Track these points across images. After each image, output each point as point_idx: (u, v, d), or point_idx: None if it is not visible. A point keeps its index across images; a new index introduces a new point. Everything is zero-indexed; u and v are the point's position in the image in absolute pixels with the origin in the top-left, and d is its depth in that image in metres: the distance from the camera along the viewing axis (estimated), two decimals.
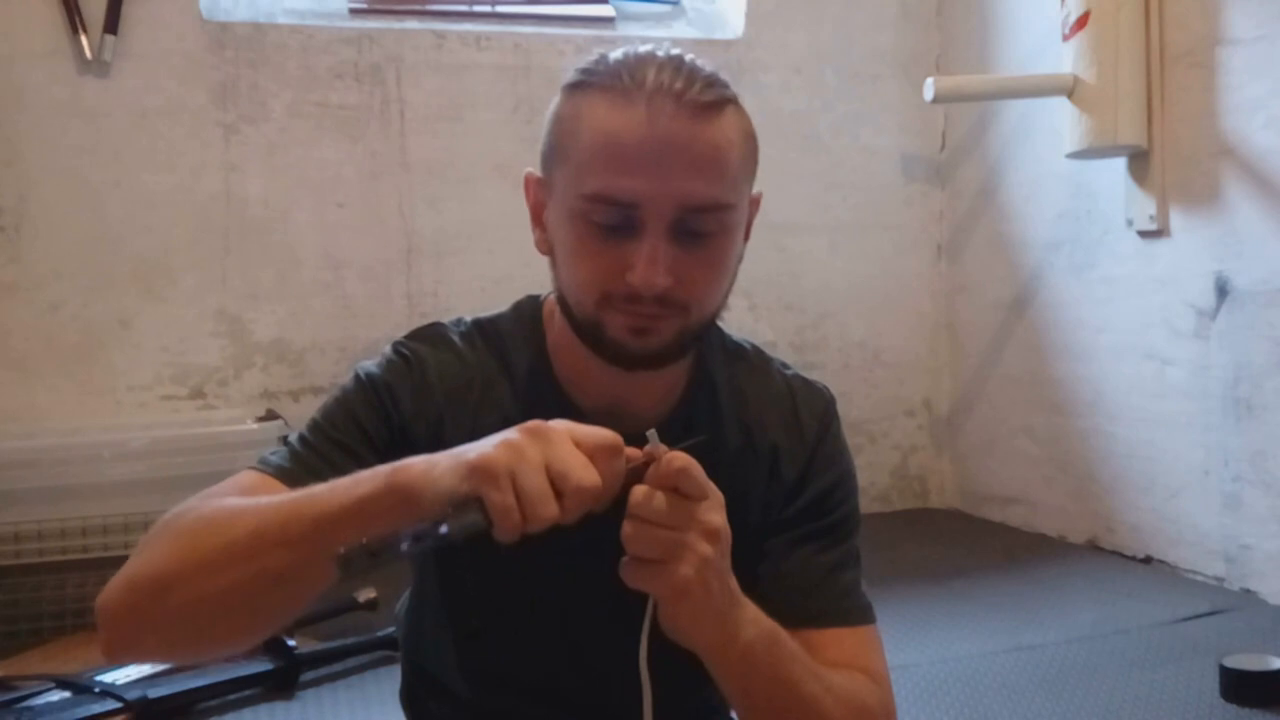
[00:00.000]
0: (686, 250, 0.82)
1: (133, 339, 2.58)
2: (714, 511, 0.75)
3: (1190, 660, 1.82)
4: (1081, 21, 2.42)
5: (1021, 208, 2.89)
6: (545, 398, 0.91)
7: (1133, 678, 1.77)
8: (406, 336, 0.95)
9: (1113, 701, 1.68)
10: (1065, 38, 2.48)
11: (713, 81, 0.84)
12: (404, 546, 0.65)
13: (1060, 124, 2.52)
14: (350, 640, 1.97)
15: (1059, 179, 2.71)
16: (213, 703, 1.74)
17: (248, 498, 0.79)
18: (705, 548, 0.74)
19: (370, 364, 0.93)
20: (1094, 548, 2.64)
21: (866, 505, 3.52)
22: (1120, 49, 2.37)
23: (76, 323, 2.55)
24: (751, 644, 0.79)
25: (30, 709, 1.67)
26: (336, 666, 1.91)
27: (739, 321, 2.95)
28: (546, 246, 0.90)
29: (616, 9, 3.06)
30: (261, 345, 2.67)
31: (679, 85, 0.81)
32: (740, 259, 0.91)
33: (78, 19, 2.50)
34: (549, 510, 0.67)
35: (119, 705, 1.65)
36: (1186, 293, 2.36)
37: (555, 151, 0.87)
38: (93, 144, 2.55)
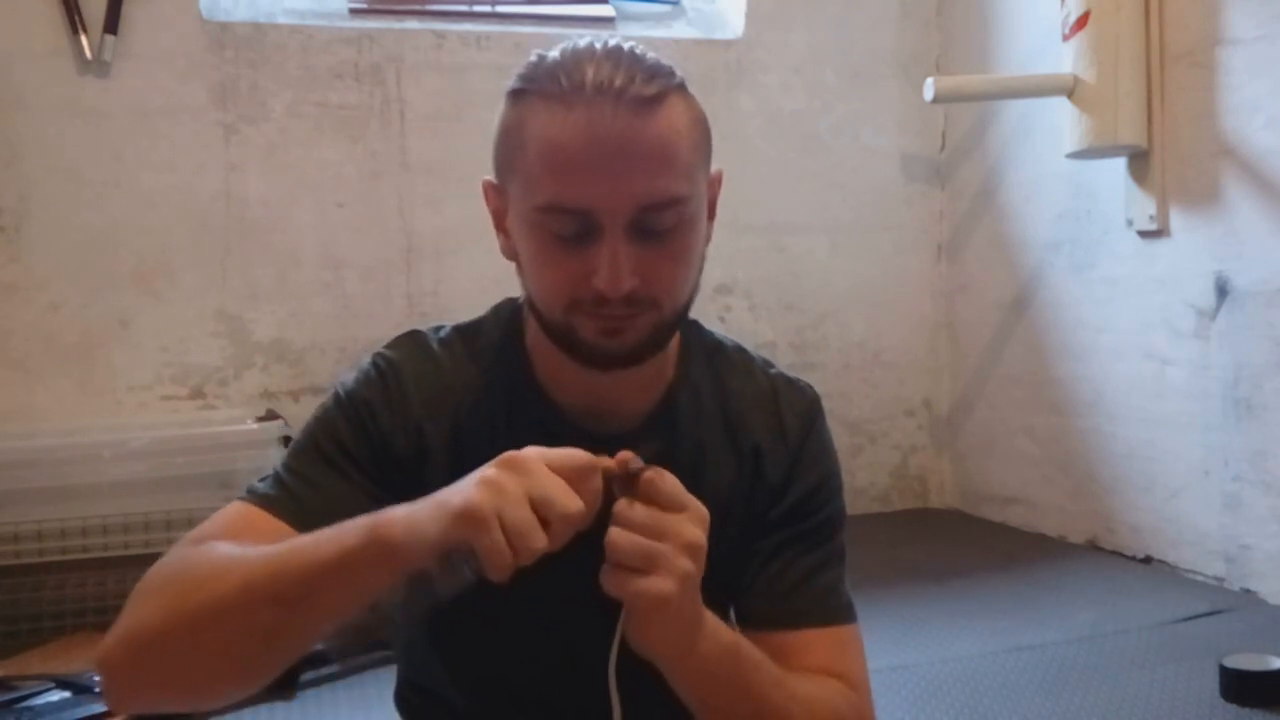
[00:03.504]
0: (648, 247, 0.81)
1: (133, 339, 2.58)
2: (695, 526, 0.75)
3: (1190, 660, 1.82)
4: (1081, 21, 2.42)
5: (1021, 208, 2.89)
6: (527, 401, 0.91)
7: (1133, 678, 1.77)
8: (385, 346, 0.94)
9: (1113, 701, 1.68)
10: (1065, 38, 2.48)
11: (654, 72, 0.81)
12: (397, 618, 0.64)
13: (1060, 124, 2.52)
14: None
15: (1059, 179, 2.71)
16: None
17: (236, 545, 0.78)
18: (686, 563, 0.73)
19: (349, 379, 0.92)
20: (1094, 548, 2.64)
21: (866, 505, 3.53)
22: (1120, 49, 2.37)
23: (76, 323, 2.55)
24: (707, 655, 0.79)
25: (30, 709, 1.67)
26: (337, 666, 1.91)
27: (739, 321, 2.95)
28: (511, 252, 0.89)
29: (616, 9, 3.06)
30: (261, 345, 2.67)
31: (619, 82, 0.79)
32: (708, 240, 0.90)
33: (78, 19, 2.50)
34: (538, 541, 0.67)
35: None
36: (1186, 293, 2.36)
37: (505, 162, 0.86)
38: (93, 144, 2.55)
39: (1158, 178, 2.40)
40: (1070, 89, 2.45)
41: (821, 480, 0.95)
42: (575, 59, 0.81)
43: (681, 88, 0.84)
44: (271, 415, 2.45)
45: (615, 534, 0.73)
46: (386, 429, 0.88)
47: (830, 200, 3.11)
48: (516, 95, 0.84)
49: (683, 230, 0.83)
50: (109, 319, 2.57)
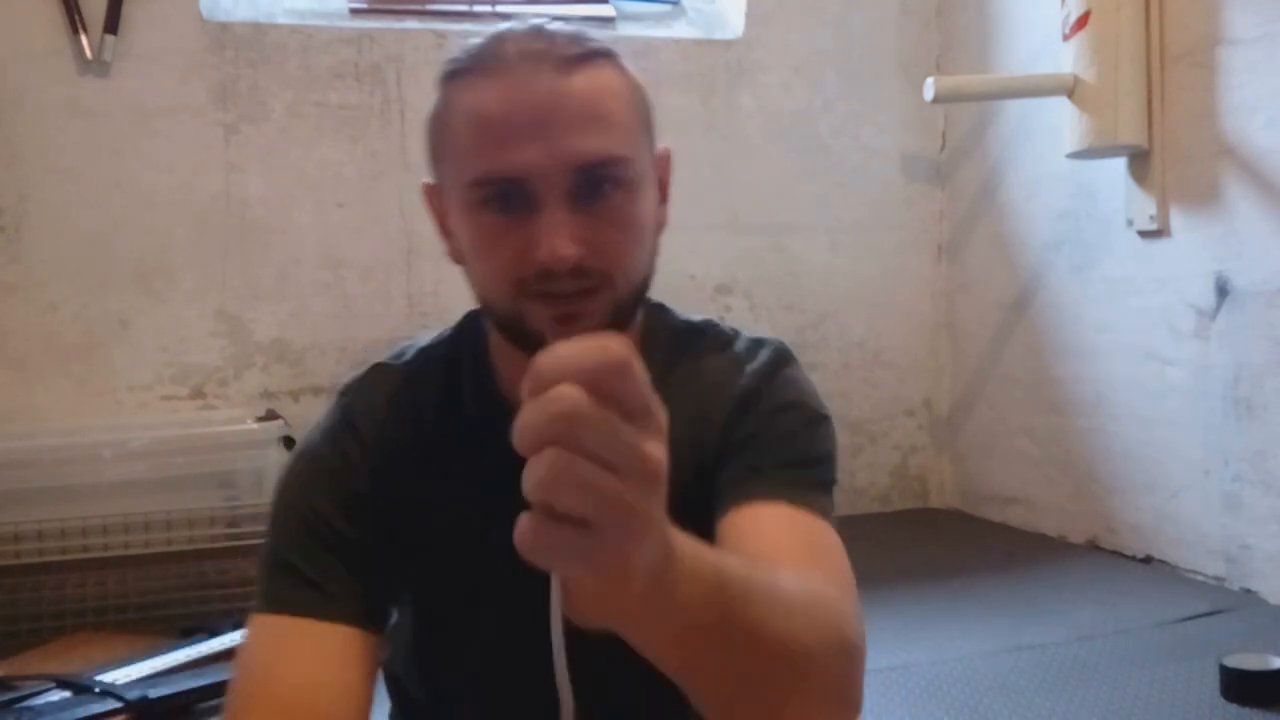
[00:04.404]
0: (591, 215, 0.76)
1: (133, 339, 2.58)
2: (658, 443, 0.48)
3: (1190, 660, 1.82)
4: (1081, 21, 2.42)
5: (1021, 208, 2.89)
6: (493, 413, 0.82)
7: (1133, 677, 1.77)
8: (346, 386, 0.90)
9: (1113, 701, 1.68)
10: (1065, 38, 2.48)
11: (579, 38, 0.78)
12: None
13: (1060, 124, 2.52)
14: None
15: (1059, 179, 2.71)
16: (213, 702, 1.74)
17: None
18: (651, 507, 0.47)
19: (314, 435, 0.88)
20: (1094, 548, 2.64)
21: (866, 505, 3.52)
22: (1120, 49, 2.37)
23: (76, 323, 2.55)
24: (686, 605, 0.54)
25: (30, 709, 1.67)
26: None
27: (739, 322, 2.93)
28: (458, 254, 0.84)
29: (616, 9, 3.06)
30: (261, 345, 2.67)
31: (541, 46, 0.77)
32: (662, 225, 0.85)
33: (78, 19, 2.50)
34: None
35: (119, 705, 1.65)
36: (1186, 293, 2.36)
37: (436, 148, 0.83)
38: (93, 144, 2.55)
39: (1158, 178, 2.40)
40: (1070, 89, 2.45)
41: (786, 406, 0.86)
42: (498, 36, 0.80)
43: (613, 57, 0.80)
44: (271, 415, 2.45)
45: (547, 456, 0.44)
46: (359, 479, 0.85)
47: (830, 200, 3.11)
48: (443, 80, 0.82)
49: (627, 195, 0.78)
50: (109, 319, 2.57)
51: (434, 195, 0.86)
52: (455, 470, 0.87)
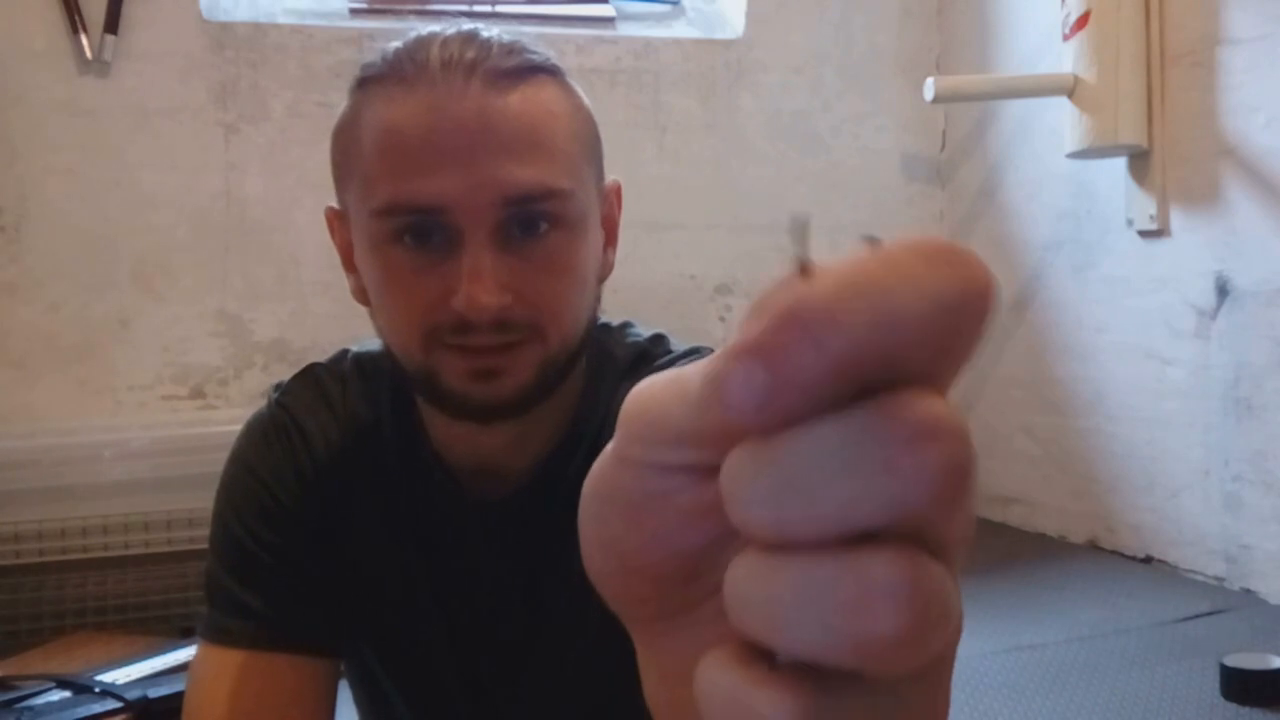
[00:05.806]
0: (522, 257, 0.66)
1: (133, 339, 2.58)
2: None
3: (1190, 660, 1.82)
4: (1081, 21, 2.42)
5: (1021, 208, 2.89)
6: (415, 457, 0.77)
7: (1133, 677, 1.77)
8: (283, 393, 0.81)
9: (1113, 701, 1.68)
10: (1065, 38, 2.48)
11: (518, 49, 0.68)
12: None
13: (1060, 124, 2.52)
14: None
15: (1059, 179, 2.71)
16: None
17: None
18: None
19: (247, 439, 0.81)
20: (1094, 548, 2.64)
21: None
22: (1120, 49, 2.38)
23: (76, 323, 2.55)
24: None
25: (30, 709, 1.66)
26: None
27: (739, 321, 2.95)
28: (361, 294, 0.73)
29: (616, 9, 3.06)
30: (262, 345, 2.67)
31: (471, 55, 0.66)
32: (606, 272, 0.74)
33: (78, 19, 2.50)
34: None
35: (119, 705, 1.65)
36: (1186, 293, 2.36)
37: (340, 168, 0.71)
38: (93, 144, 2.55)
39: (1158, 178, 2.40)
40: (1070, 89, 2.45)
41: None
42: (420, 40, 0.68)
43: (557, 74, 0.70)
44: None
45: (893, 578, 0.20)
46: (295, 505, 0.78)
47: (830, 200, 3.11)
48: (353, 89, 0.71)
49: (565, 236, 0.68)
50: (109, 319, 2.57)
51: (338, 222, 0.75)
52: (382, 523, 0.79)
